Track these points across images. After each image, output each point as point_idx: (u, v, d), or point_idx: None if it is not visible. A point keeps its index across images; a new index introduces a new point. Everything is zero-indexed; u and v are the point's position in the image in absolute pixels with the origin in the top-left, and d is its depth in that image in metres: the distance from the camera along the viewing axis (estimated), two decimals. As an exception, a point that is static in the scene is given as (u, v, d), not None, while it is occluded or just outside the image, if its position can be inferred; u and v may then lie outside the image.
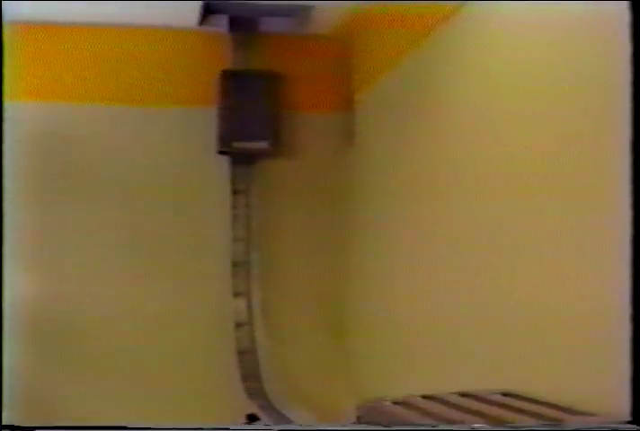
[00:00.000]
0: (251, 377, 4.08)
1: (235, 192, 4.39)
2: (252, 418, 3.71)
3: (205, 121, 4.38)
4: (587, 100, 2.04)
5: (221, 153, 4.24)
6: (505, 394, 1.85)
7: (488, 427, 1.51)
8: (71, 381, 4.36)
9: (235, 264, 4.31)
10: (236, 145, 4.21)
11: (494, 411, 1.67)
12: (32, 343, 4.26)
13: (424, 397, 1.85)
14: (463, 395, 1.86)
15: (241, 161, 4.34)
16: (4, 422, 1.67)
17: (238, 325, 4.21)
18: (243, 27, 4.33)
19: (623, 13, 1.54)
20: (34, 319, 4.28)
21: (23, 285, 4.22)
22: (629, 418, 1.48)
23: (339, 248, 4.37)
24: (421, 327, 3.30)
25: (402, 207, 3.53)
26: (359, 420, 1.82)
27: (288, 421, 3.38)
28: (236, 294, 4.26)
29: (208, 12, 4.08)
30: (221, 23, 4.25)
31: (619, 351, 1.55)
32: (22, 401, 4.07)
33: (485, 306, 2.67)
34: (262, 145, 4.22)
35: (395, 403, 1.77)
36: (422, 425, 1.59)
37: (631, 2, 1.53)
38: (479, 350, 2.69)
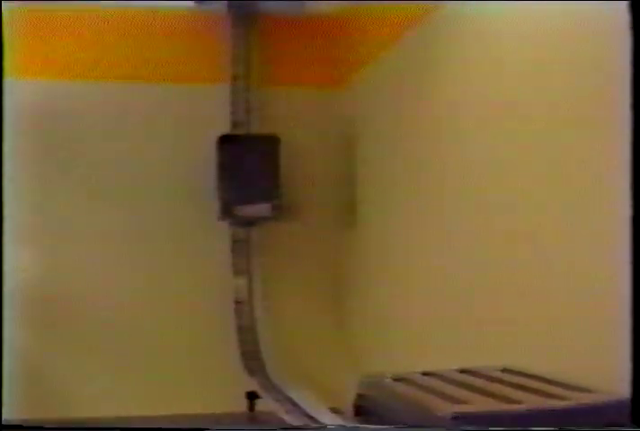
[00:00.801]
0: (251, 355, 4.09)
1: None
2: (252, 396, 3.72)
3: (201, 99, 4.39)
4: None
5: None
6: (505, 370, 1.86)
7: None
8: (71, 358, 4.38)
9: (235, 242, 4.32)
10: (237, 211, 4.19)
11: (494, 387, 1.68)
12: (33, 322, 4.27)
13: (424, 374, 1.86)
14: (463, 371, 1.87)
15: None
16: (3, 422, 1.67)
17: (238, 303, 4.22)
18: (241, 7, 4.31)
19: (623, 13, 1.54)
20: (34, 297, 4.29)
21: (24, 262, 4.23)
22: (629, 395, 1.49)
23: (339, 224, 4.38)
24: (421, 306, 3.30)
25: (403, 173, 3.54)
26: (359, 397, 1.82)
27: (289, 399, 3.39)
28: (237, 273, 4.27)
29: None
30: (220, 4, 4.25)
31: (619, 330, 1.56)
32: (22, 382, 4.08)
33: (488, 283, 2.68)
34: (263, 209, 4.19)
35: (396, 379, 1.78)
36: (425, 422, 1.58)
37: (631, 2, 1.53)
38: (480, 326, 2.69)
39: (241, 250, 4.30)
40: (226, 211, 4.14)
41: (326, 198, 4.41)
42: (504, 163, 2.55)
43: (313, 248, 4.44)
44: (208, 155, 4.29)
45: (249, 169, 4.19)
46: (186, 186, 4.39)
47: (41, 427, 1.77)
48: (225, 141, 4.19)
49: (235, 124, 4.38)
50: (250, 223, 4.27)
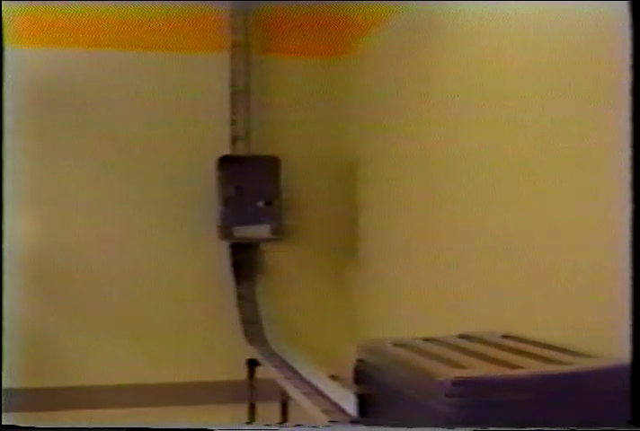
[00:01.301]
0: (251, 322, 4.09)
1: (234, 139, 4.40)
2: (252, 363, 3.72)
3: (201, 67, 4.38)
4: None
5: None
6: (505, 336, 1.85)
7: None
8: (72, 327, 4.39)
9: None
10: (238, 233, 4.17)
11: (495, 353, 1.67)
12: (34, 290, 4.27)
13: (425, 339, 1.85)
14: (463, 337, 1.86)
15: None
16: (4, 422, 1.67)
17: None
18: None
19: (623, 13, 1.52)
20: (35, 265, 4.29)
21: (24, 230, 4.23)
22: (629, 361, 1.48)
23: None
24: (421, 271, 3.30)
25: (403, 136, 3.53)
26: (359, 362, 1.82)
27: (289, 366, 3.39)
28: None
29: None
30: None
31: (619, 296, 1.55)
32: (23, 351, 4.09)
33: (488, 248, 2.67)
34: (263, 231, 4.15)
35: (396, 345, 1.77)
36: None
37: (631, 2, 1.51)
38: (480, 293, 2.69)
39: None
40: (226, 233, 4.14)
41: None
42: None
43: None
44: (208, 121, 4.30)
45: (249, 189, 4.17)
46: (188, 149, 4.39)
47: (41, 428, 1.76)
48: (225, 161, 4.19)
49: (234, 92, 4.37)
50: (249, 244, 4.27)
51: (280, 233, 4.12)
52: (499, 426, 1.45)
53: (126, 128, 4.40)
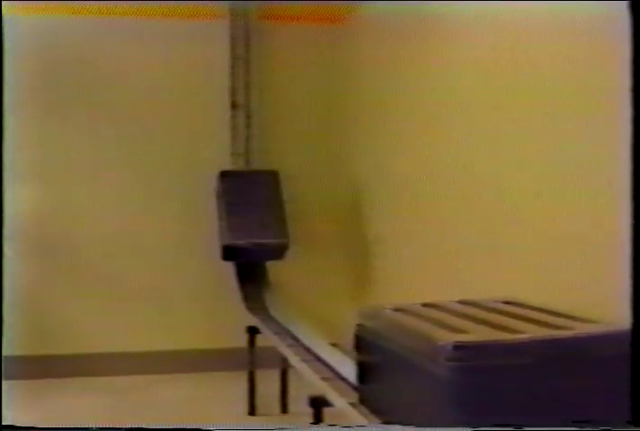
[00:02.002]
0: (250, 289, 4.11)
1: (234, 106, 4.39)
2: (252, 331, 3.72)
3: (201, 34, 4.35)
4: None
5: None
6: (506, 302, 1.85)
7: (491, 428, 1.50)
8: (72, 295, 4.40)
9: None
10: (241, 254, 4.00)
11: (496, 318, 1.66)
12: (33, 258, 4.28)
13: (425, 305, 1.85)
14: (464, 303, 1.86)
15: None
16: (3, 422, 1.67)
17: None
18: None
19: (623, 13, 1.50)
20: (35, 234, 4.29)
21: (24, 199, 4.22)
22: (629, 327, 1.48)
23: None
24: (421, 241, 3.29)
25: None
26: (359, 327, 1.82)
27: (289, 333, 3.39)
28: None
29: None
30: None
31: (620, 263, 1.54)
32: (23, 319, 4.10)
33: (489, 216, 2.66)
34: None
35: (396, 310, 1.77)
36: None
37: (631, 2, 1.49)
38: (481, 261, 2.68)
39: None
40: (230, 254, 3.97)
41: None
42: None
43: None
44: (208, 87, 4.29)
45: (251, 205, 3.98)
46: (188, 115, 4.39)
47: (42, 428, 1.76)
48: (224, 176, 4.08)
49: (233, 57, 4.34)
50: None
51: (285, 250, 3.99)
52: (498, 427, 1.46)
53: (126, 97, 4.39)
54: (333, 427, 1.76)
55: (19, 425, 1.55)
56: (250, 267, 4.14)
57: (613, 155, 1.78)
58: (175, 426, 1.66)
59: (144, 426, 1.57)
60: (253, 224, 3.90)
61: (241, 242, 3.87)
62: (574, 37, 2.11)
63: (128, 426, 3.45)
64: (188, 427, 1.60)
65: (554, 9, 2.19)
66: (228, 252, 3.93)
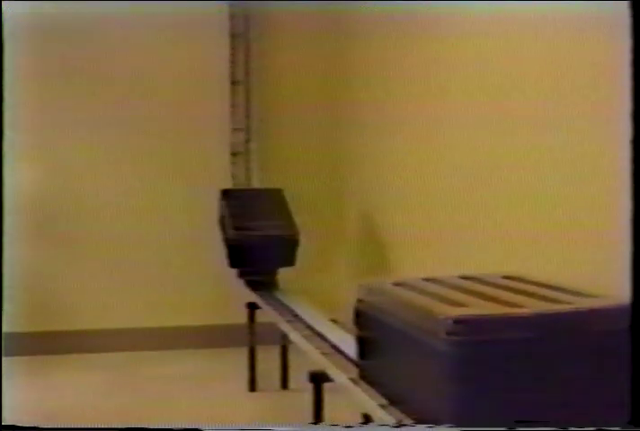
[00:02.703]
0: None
1: (234, 83, 4.38)
2: (252, 307, 3.73)
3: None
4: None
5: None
6: (507, 277, 1.84)
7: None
8: (72, 271, 4.40)
9: (234, 154, 4.30)
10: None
11: (497, 293, 1.66)
12: (34, 235, 4.28)
13: (425, 279, 1.84)
14: (464, 278, 1.86)
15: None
16: (3, 422, 1.67)
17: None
18: None
19: (623, 13, 1.49)
20: (35, 210, 4.29)
21: (24, 173, 4.22)
22: (629, 301, 1.48)
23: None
24: (420, 216, 3.29)
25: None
26: (359, 302, 1.81)
27: (289, 309, 3.39)
28: (235, 184, 4.27)
29: None
30: None
31: (620, 238, 1.53)
32: (24, 295, 4.11)
33: (489, 189, 2.66)
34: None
35: (396, 285, 1.76)
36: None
37: (631, 2, 1.48)
38: (481, 236, 2.68)
39: (240, 162, 4.31)
40: (237, 256, 3.77)
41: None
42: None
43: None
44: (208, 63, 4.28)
45: (255, 220, 3.75)
46: (187, 91, 4.38)
47: (43, 428, 1.76)
48: (226, 194, 3.91)
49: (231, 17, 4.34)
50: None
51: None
52: (498, 426, 1.46)
53: (126, 73, 4.38)
54: (334, 427, 1.76)
55: (20, 425, 1.55)
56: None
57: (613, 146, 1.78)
58: (175, 427, 1.66)
59: (143, 426, 1.58)
60: (260, 221, 3.75)
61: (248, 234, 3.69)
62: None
63: (128, 401, 3.46)
64: (188, 427, 1.60)
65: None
66: (234, 253, 3.75)
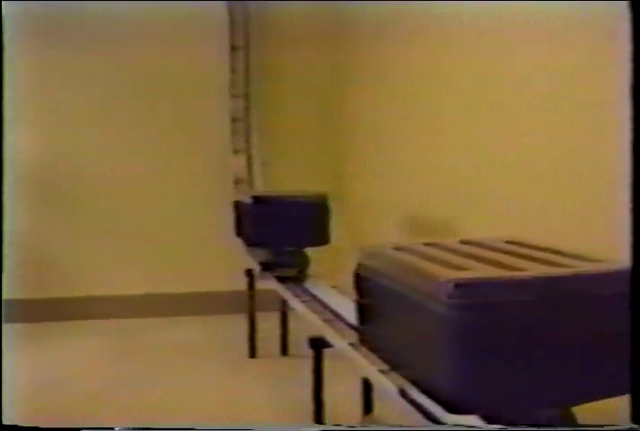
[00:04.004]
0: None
1: (233, 48, 4.35)
2: (251, 274, 3.73)
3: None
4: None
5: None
6: (508, 242, 1.83)
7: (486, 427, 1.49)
8: (73, 239, 4.41)
9: (234, 120, 4.28)
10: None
11: (498, 257, 1.64)
12: (34, 204, 4.27)
13: (426, 244, 1.83)
14: (465, 242, 1.84)
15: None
16: (4, 422, 1.66)
17: (237, 182, 4.21)
18: None
19: (623, 13, 1.46)
20: (36, 179, 4.28)
21: (25, 141, 4.21)
22: (629, 265, 1.47)
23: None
24: (419, 176, 3.28)
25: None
26: (359, 266, 1.80)
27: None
28: (236, 151, 4.25)
29: None
30: None
31: (620, 204, 1.52)
32: (24, 264, 4.11)
33: (489, 153, 2.65)
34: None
35: (397, 249, 1.75)
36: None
37: (631, 2, 1.45)
38: (481, 199, 2.67)
39: (240, 129, 4.29)
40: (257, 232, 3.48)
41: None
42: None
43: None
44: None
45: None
46: (186, 64, 4.36)
47: (43, 428, 1.76)
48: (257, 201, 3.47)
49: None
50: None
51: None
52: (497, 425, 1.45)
53: (126, 35, 4.35)
54: (335, 427, 1.76)
55: (21, 424, 1.55)
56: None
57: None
58: (172, 426, 1.66)
59: (142, 426, 1.58)
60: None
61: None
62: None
63: (128, 368, 3.47)
64: (186, 427, 1.61)
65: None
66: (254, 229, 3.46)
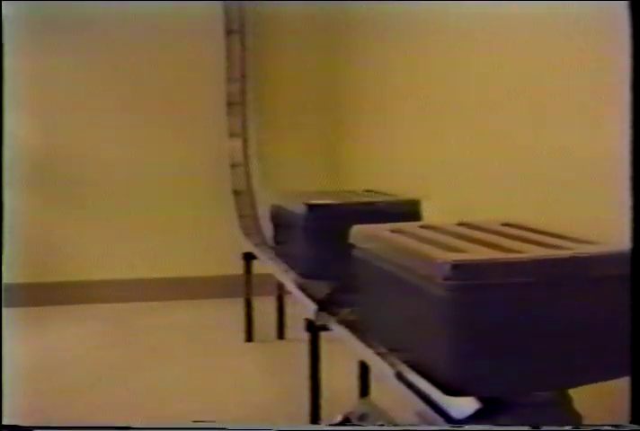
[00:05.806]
0: (246, 216, 4.09)
1: (229, 32, 4.33)
2: (248, 257, 3.72)
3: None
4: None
5: None
6: (505, 224, 1.82)
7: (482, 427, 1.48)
8: (71, 224, 4.41)
9: (230, 104, 4.27)
10: None
11: (495, 239, 1.64)
12: (33, 188, 4.27)
13: (422, 226, 1.82)
14: (462, 225, 1.83)
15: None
16: (4, 422, 1.65)
17: (234, 166, 4.20)
18: None
19: (623, 13, 1.45)
20: (34, 164, 4.28)
21: (25, 126, 4.21)
22: (629, 246, 1.46)
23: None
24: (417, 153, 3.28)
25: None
26: (355, 249, 1.79)
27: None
28: (232, 135, 4.24)
29: None
30: None
31: (620, 185, 1.51)
32: (23, 247, 4.11)
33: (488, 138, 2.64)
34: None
35: (393, 231, 1.74)
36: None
37: (631, 2, 1.44)
38: (478, 180, 2.67)
39: (236, 113, 4.28)
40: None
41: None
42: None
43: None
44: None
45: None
46: (184, 51, 4.35)
47: (43, 427, 1.76)
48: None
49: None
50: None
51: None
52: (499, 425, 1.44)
53: (128, 36, 4.34)
54: (336, 427, 1.77)
55: (21, 424, 1.55)
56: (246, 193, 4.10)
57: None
58: (174, 426, 1.66)
59: (142, 426, 1.58)
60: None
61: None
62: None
63: (126, 351, 3.46)
64: (185, 427, 1.60)
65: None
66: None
